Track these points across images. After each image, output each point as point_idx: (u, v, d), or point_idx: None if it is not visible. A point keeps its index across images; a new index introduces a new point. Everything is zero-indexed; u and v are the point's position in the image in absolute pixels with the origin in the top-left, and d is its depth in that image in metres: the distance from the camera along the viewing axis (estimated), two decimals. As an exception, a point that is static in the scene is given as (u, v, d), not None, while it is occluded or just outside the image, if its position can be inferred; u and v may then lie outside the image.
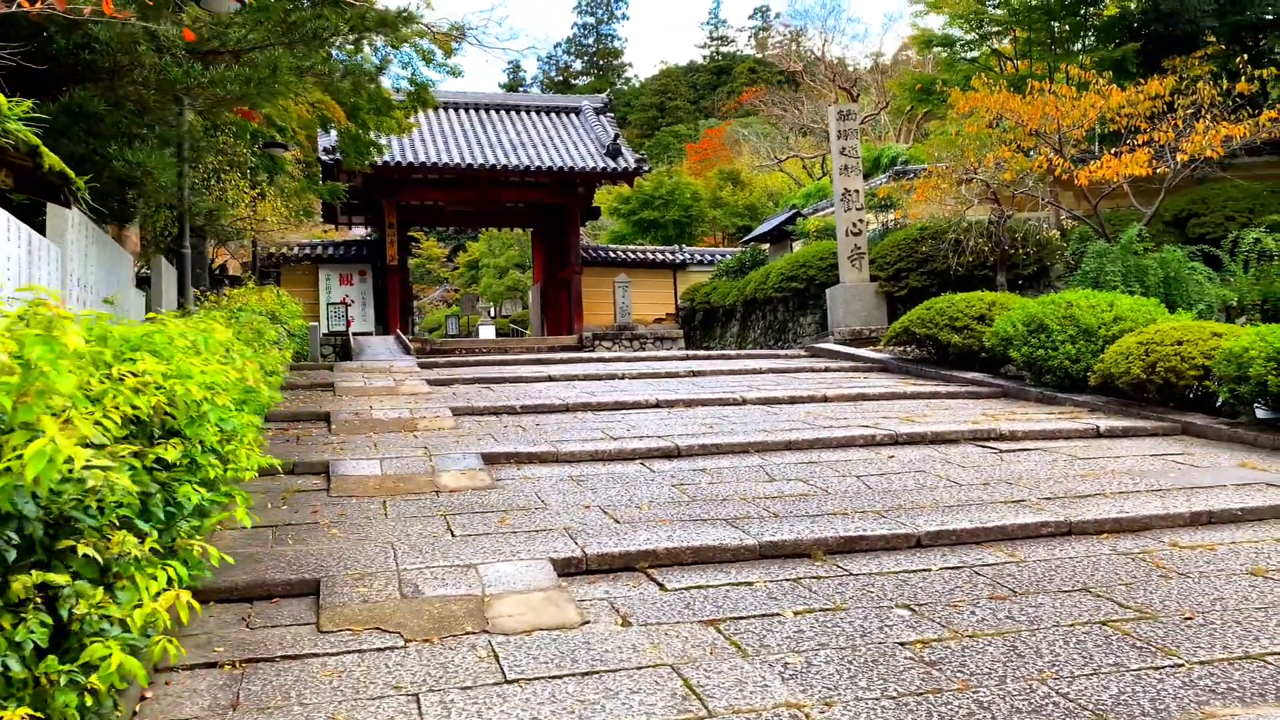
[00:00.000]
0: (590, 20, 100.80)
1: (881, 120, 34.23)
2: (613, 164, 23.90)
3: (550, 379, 12.45)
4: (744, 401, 10.52)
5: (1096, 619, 4.31)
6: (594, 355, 15.35)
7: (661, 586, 4.83)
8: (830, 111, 18.69)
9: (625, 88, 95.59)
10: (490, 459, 7.47)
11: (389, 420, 9.18)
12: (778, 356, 15.55)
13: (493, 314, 55.96)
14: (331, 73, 8.49)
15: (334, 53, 12.92)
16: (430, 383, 12.02)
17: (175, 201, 8.87)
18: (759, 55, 79.71)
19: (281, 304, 12.17)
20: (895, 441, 8.36)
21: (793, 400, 10.66)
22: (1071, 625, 4.24)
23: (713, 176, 35.19)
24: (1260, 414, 8.61)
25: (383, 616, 4.31)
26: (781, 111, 35.15)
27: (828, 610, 4.46)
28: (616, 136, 24.68)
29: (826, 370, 13.60)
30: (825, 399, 10.77)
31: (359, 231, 29.74)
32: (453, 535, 5.49)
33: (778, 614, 4.42)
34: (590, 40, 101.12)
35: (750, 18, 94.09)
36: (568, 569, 5.01)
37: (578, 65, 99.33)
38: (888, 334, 14.23)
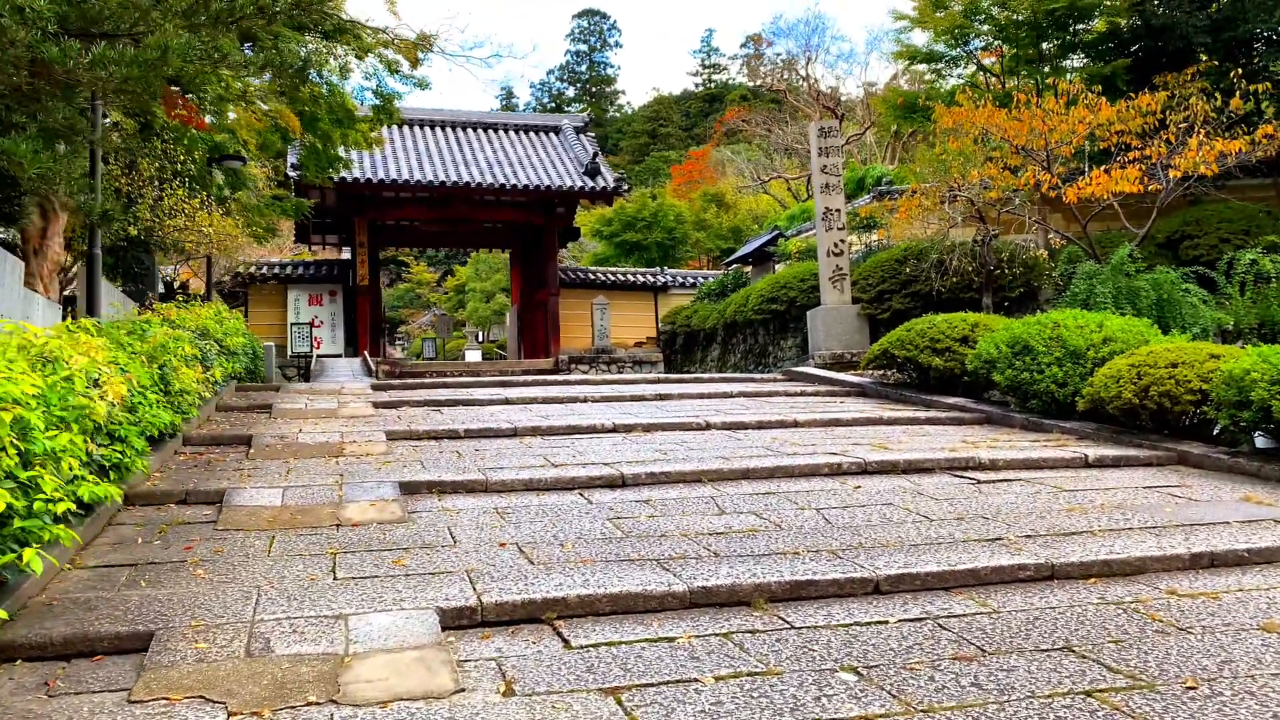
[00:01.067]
0: (583, 48, 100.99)
1: (868, 141, 33.62)
2: (591, 183, 23.28)
3: (507, 402, 11.70)
4: (707, 426, 9.78)
5: (1080, 687, 3.56)
6: (562, 378, 14.63)
7: (566, 643, 4.07)
8: (811, 128, 18.09)
9: (618, 115, 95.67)
10: (410, 488, 6.71)
11: (314, 445, 8.42)
12: (752, 380, 14.83)
13: (480, 339, 55.33)
14: (248, 64, 7.83)
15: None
16: (377, 405, 11.27)
17: (73, 200, 8.19)
18: (751, 83, 79.77)
19: (219, 320, 11.41)
20: (864, 470, 7.61)
21: (760, 425, 9.92)
22: (1050, 696, 3.49)
23: (697, 199, 34.58)
24: (1261, 443, 7.89)
25: (213, 681, 3.53)
26: (766, 131, 34.47)
27: (757, 675, 3.70)
28: (595, 155, 24.07)
29: (801, 394, 12.88)
30: (795, 424, 10.04)
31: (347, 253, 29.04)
32: (335, 578, 4.73)
33: (696, 679, 3.66)
34: (583, 67, 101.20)
35: (742, 45, 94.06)
36: (458, 620, 4.25)
37: (570, 92, 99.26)
38: (866, 356, 13.52)
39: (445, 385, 13.89)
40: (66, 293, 11.11)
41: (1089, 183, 13.98)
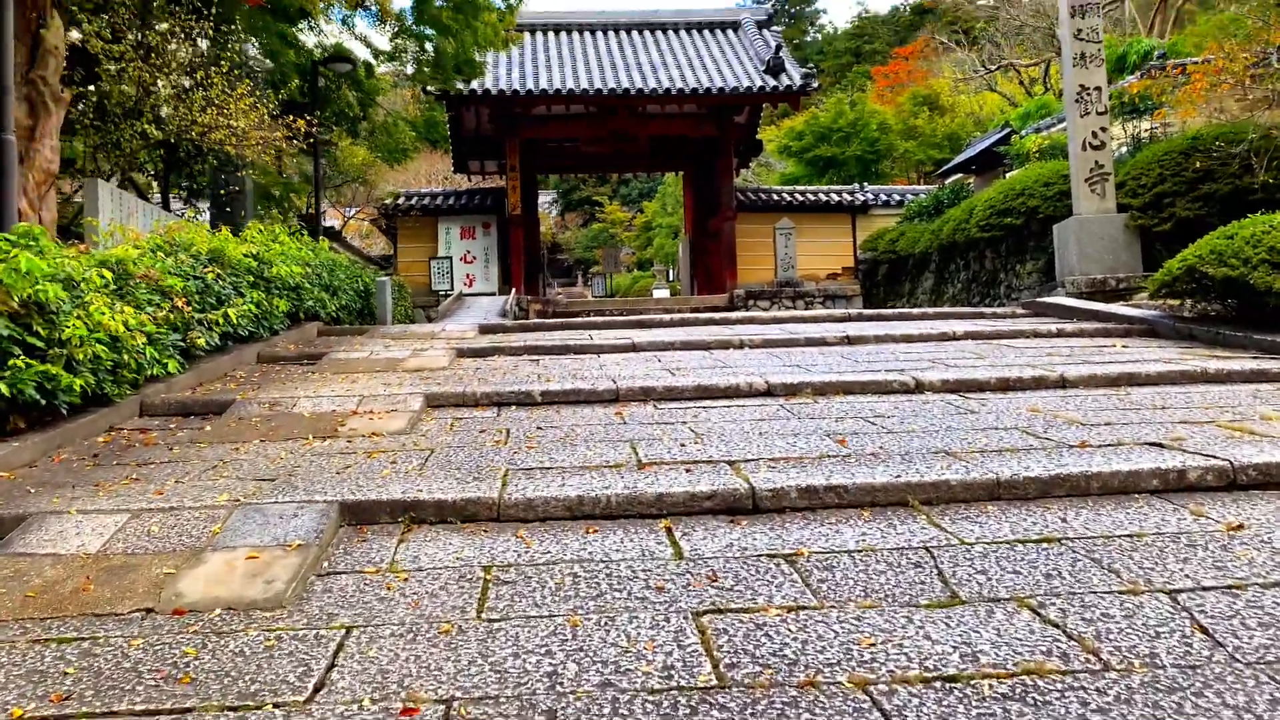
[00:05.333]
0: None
1: (1126, 10, 27.07)
2: (773, 82, 19.49)
3: (633, 348, 8.60)
4: (917, 387, 6.26)
5: None
6: (722, 316, 11.36)
7: None
8: (1060, -19, 13.58)
9: (818, 36, 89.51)
10: (358, 512, 3.72)
11: (309, 418, 5.62)
12: (982, 316, 10.98)
13: (670, 277, 52.89)
14: None
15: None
16: (461, 354, 8.47)
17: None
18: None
19: (270, 243, 8.84)
20: (1233, 482, 3.95)
21: (1005, 386, 6.30)
22: None
23: (905, 102, 29.45)
24: None
25: None
26: (994, 6, 27.99)
27: None
28: (779, 48, 20.19)
29: (1058, 334, 9.00)
30: (1063, 383, 6.35)
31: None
32: None
33: None
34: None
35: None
36: None
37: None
38: (1157, 279, 9.37)
39: (572, 327, 10.95)
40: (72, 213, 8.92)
41: None
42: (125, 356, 5.52)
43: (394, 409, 5.80)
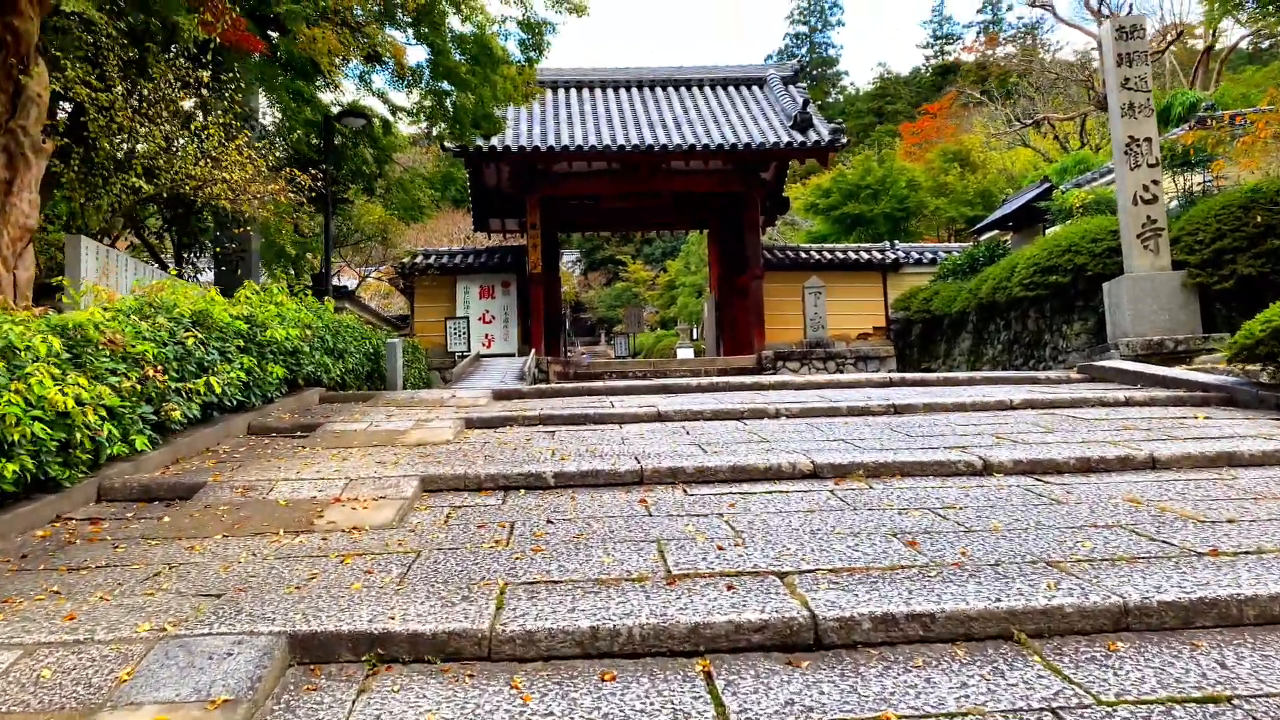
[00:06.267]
0: (803, 29, 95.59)
1: (1166, 63, 26.32)
2: (800, 137, 18.92)
3: (658, 418, 7.82)
4: (986, 469, 5.44)
5: None
6: (753, 380, 10.56)
7: None
8: (1104, 29, 13.01)
9: (840, 97, 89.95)
10: (312, 648, 2.95)
11: (285, 505, 4.87)
12: (1036, 381, 10.12)
13: (694, 336, 52.27)
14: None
15: None
16: (470, 424, 7.73)
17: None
18: (989, 51, 72.23)
19: (266, 304, 8.19)
20: None
21: (1086, 467, 5.47)
22: None
23: (934, 158, 28.81)
24: None
25: None
26: (1025, 64, 27.39)
27: None
28: (806, 103, 19.68)
29: (1127, 403, 8.14)
30: (1154, 463, 5.51)
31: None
32: None
33: None
34: (803, 50, 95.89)
35: (979, 11, 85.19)
36: None
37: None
38: (1236, 342, 8.51)
39: (593, 393, 10.20)
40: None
41: None
42: (77, 435, 4.81)
43: (383, 495, 5.04)
